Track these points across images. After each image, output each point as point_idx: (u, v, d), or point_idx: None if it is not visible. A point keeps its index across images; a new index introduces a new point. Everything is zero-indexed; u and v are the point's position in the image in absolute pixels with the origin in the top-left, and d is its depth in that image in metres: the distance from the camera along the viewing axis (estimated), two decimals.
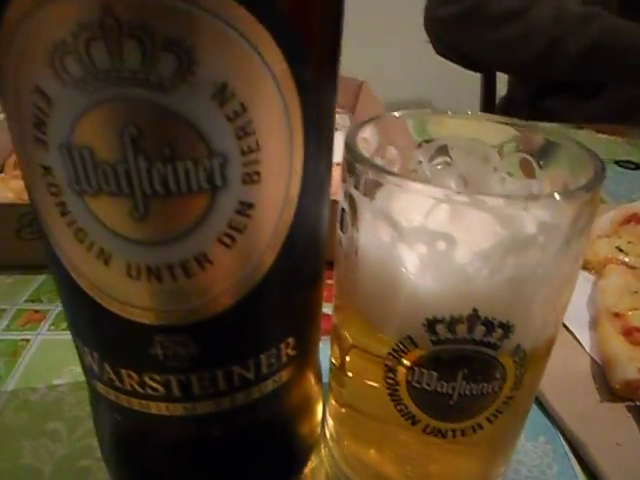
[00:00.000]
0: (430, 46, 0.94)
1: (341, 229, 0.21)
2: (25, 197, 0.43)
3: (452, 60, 0.93)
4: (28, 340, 0.33)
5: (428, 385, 0.20)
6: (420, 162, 0.24)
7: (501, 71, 1.01)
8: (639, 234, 0.44)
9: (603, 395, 0.31)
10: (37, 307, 0.36)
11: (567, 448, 0.29)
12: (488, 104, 1.08)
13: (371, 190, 0.19)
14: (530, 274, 0.18)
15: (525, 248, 0.17)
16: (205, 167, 0.14)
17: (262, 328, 0.18)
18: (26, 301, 0.37)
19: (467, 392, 0.20)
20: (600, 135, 0.71)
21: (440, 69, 1.10)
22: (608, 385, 0.31)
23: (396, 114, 0.23)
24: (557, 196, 0.16)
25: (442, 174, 0.24)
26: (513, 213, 0.17)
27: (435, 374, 0.19)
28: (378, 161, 0.23)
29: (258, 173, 0.15)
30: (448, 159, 0.25)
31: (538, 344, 0.20)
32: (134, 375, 0.18)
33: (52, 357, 0.32)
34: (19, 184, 0.44)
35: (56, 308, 0.36)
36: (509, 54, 0.82)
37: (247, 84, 0.14)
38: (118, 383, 0.19)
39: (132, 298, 0.16)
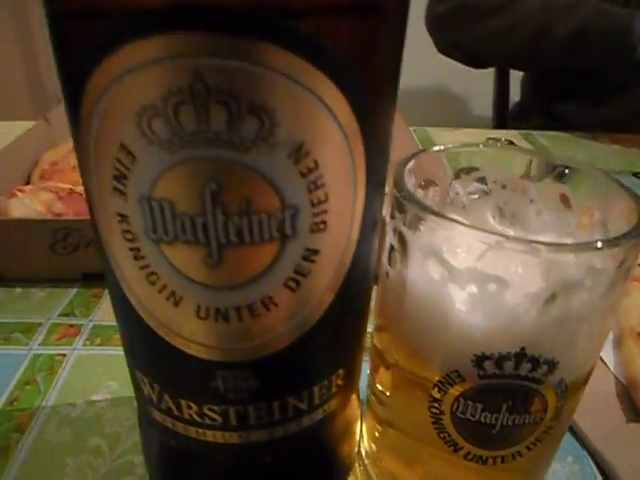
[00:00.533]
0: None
1: (389, 263, 0.21)
2: (54, 210, 0.44)
3: (453, 57, 0.95)
4: (64, 355, 0.34)
5: (472, 416, 0.20)
6: (458, 193, 0.25)
7: (496, 62, 1.02)
8: None
9: (629, 415, 0.32)
10: (71, 321, 0.37)
11: (595, 468, 0.29)
12: (501, 110, 1.08)
13: (421, 228, 0.20)
14: (576, 314, 0.18)
15: (572, 291, 0.18)
16: (277, 218, 0.15)
17: (317, 362, 0.19)
18: (60, 315, 0.38)
19: (510, 423, 0.20)
20: (616, 145, 0.72)
21: (451, 76, 1.11)
22: (634, 405, 0.32)
23: (435, 149, 0.24)
24: (606, 244, 0.17)
25: (479, 204, 0.25)
26: (562, 259, 0.17)
27: (480, 406, 0.20)
28: (420, 193, 0.24)
29: (325, 222, 0.16)
30: (485, 188, 0.25)
31: (580, 376, 0.21)
32: (194, 406, 0.19)
33: (88, 373, 0.33)
34: (48, 197, 0.45)
35: (89, 322, 0.37)
36: (500, 44, 0.85)
37: (321, 142, 0.14)
38: (177, 412, 0.20)
39: (199, 336, 0.17)
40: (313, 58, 0.13)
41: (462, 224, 0.18)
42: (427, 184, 0.24)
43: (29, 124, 0.60)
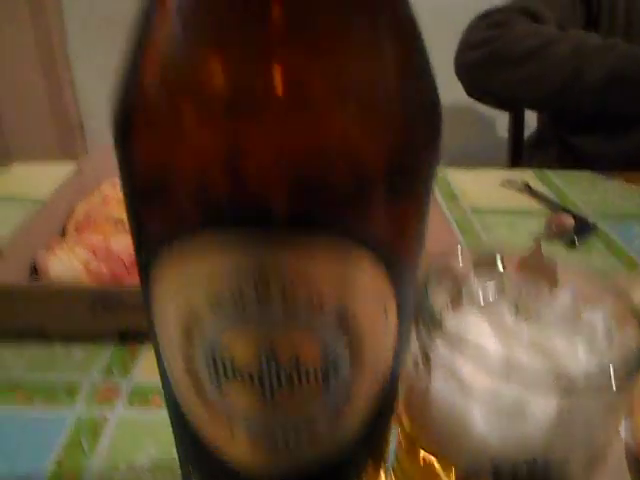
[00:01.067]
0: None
1: (414, 369, 0.24)
2: (91, 268, 0.46)
3: (483, 101, 0.97)
4: (106, 418, 0.37)
5: None
6: (476, 292, 0.27)
7: (527, 107, 1.04)
8: None
9: None
10: (111, 380, 0.40)
11: None
12: (516, 139, 1.10)
13: (442, 344, 0.22)
14: (583, 426, 0.21)
15: (579, 411, 0.20)
16: (322, 367, 0.17)
17: (351, 463, 0.22)
18: (99, 374, 0.41)
19: None
20: (631, 185, 0.73)
21: (467, 106, 1.13)
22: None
23: (463, 267, 0.26)
24: (612, 384, 0.19)
25: (496, 304, 0.27)
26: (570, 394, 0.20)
27: None
28: (443, 293, 0.26)
29: (362, 361, 0.18)
30: (501, 285, 0.28)
31: (589, 467, 0.23)
32: None
33: (129, 437, 0.36)
34: (85, 255, 0.48)
35: (128, 382, 0.40)
36: (531, 90, 0.86)
37: (362, 306, 0.17)
38: None
39: (248, 453, 0.20)
40: (355, 241, 0.16)
41: (478, 349, 0.20)
42: (450, 285, 0.27)
43: (60, 170, 0.64)
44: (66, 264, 0.48)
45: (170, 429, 0.24)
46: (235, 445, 0.20)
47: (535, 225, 0.63)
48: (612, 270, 0.56)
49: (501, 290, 0.28)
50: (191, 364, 0.18)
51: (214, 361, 0.17)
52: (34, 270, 0.49)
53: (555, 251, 0.58)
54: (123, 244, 0.50)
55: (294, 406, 0.18)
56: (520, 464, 0.21)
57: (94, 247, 0.49)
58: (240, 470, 0.20)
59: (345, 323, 0.17)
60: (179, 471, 0.26)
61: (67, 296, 0.42)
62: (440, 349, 0.22)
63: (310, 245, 0.16)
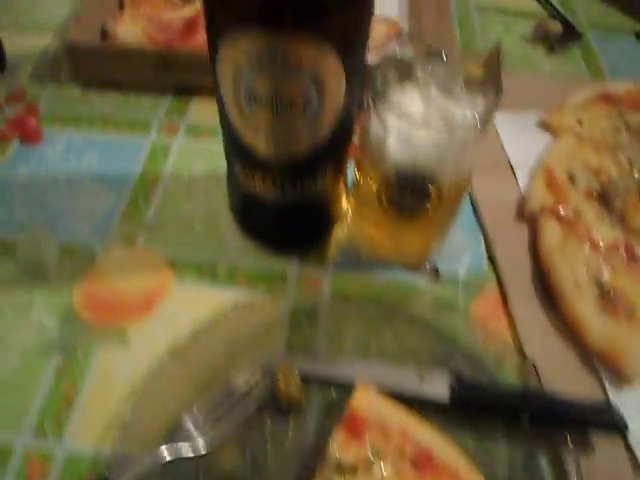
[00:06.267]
0: None
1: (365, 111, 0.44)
2: (149, 34, 0.65)
3: None
4: (171, 145, 0.59)
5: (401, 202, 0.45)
6: (418, 74, 0.45)
7: None
8: (602, 112, 0.64)
9: (520, 217, 0.56)
10: (172, 120, 0.61)
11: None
12: None
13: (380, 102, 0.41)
14: (454, 156, 0.41)
15: (453, 144, 0.40)
16: (303, 100, 0.37)
17: (321, 160, 0.43)
18: (163, 115, 0.62)
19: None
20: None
21: None
22: (522, 208, 0.56)
23: (402, 58, 0.44)
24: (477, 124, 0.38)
25: (427, 84, 0.46)
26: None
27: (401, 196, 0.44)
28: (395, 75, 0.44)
29: (325, 102, 0.38)
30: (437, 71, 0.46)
31: (456, 185, 0.44)
32: (256, 175, 0.44)
33: (188, 157, 0.58)
34: (143, 24, 0.65)
35: (184, 122, 0.61)
36: None
37: (325, 72, 0.36)
38: (251, 179, 0.44)
39: (264, 146, 0.41)
40: (323, 36, 0.34)
41: (399, 105, 0.40)
42: (399, 67, 0.44)
43: None
44: (130, 30, 0.65)
45: (213, 153, 0.45)
46: (258, 141, 0.41)
47: (528, 28, 0.76)
48: (576, 75, 0.71)
49: (435, 75, 0.46)
50: (237, 98, 0.38)
51: (249, 95, 0.37)
52: (104, 35, 0.67)
53: (533, 54, 0.73)
54: (172, 17, 0.66)
55: (288, 121, 0.39)
56: (411, 176, 0.42)
57: (150, 18, 0.65)
58: (260, 156, 0.42)
59: (316, 79, 0.36)
60: (222, 177, 0.48)
61: (134, 56, 0.61)
62: (378, 106, 0.41)
63: (300, 37, 0.34)
